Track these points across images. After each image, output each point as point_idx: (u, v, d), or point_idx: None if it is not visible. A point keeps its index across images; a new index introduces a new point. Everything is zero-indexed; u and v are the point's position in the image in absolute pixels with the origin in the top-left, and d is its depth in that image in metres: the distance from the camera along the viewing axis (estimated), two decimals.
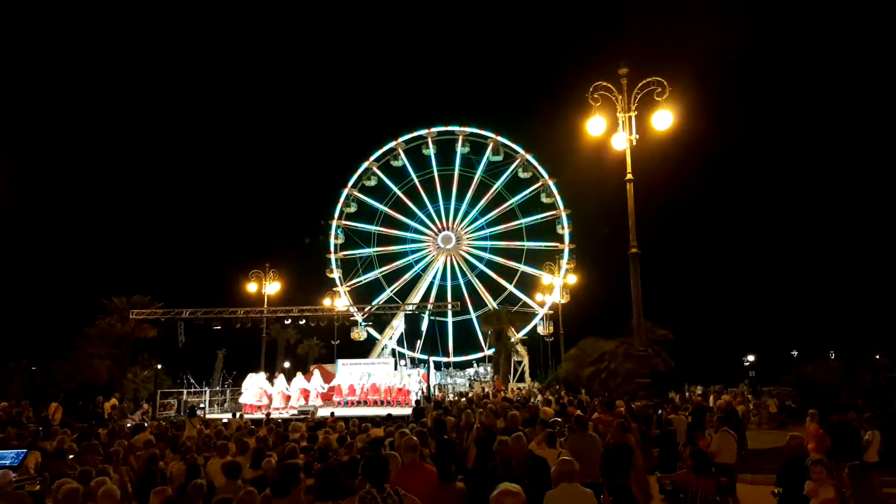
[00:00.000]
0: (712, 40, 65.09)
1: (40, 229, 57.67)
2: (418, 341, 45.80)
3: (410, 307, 39.55)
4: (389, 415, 17.12)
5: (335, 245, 48.60)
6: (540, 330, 45.70)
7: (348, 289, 48.01)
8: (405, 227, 50.61)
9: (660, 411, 15.24)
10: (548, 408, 15.42)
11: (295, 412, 24.97)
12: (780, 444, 9.24)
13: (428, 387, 29.43)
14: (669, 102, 16.18)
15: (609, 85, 16.86)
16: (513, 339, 44.05)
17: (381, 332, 47.32)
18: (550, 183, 46.75)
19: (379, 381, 28.77)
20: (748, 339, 56.28)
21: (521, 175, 47.85)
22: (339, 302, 44.66)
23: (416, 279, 50.06)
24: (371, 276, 49.40)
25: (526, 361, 45.93)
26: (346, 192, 48.61)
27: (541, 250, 47.67)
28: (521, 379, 44.62)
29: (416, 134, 48.75)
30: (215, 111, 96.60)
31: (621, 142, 16.80)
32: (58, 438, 11.98)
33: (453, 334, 48.40)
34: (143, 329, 33.64)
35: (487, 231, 50.23)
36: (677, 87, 16.62)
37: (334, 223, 48.47)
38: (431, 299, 47.92)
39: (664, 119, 16.12)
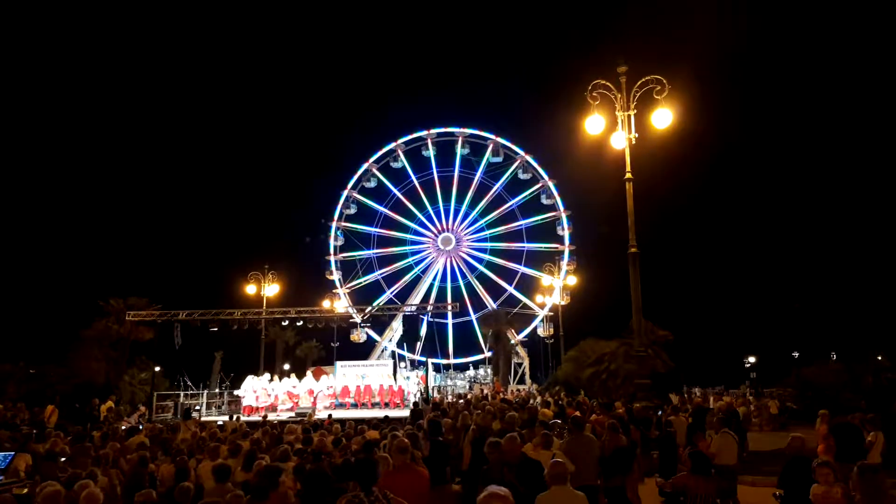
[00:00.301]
0: (712, 38, 65.13)
1: (37, 231, 57.65)
2: (418, 343, 45.70)
3: (410, 309, 39.39)
4: (386, 417, 17.00)
5: (335, 247, 48.47)
6: (540, 331, 45.58)
7: (348, 290, 47.90)
8: (405, 229, 50.60)
9: (659, 413, 15.06)
10: (546, 409, 15.27)
11: (292, 415, 24.83)
12: (781, 445, 9.13)
13: (426, 388, 29.26)
14: (669, 101, 16.03)
15: (608, 83, 16.69)
16: (513, 341, 43.89)
17: (380, 333, 47.15)
18: (550, 184, 46.59)
19: (374, 383, 28.61)
20: (749, 340, 56.06)
21: (521, 176, 47.71)
22: (339, 304, 44.49)
23: (416, 281, 49.98)
24: (371, 277, 49.37)
25: (526, 363, 45.73)
26: (345, 193, 48.48)
27: (541, 251, 47.66)
28: (521, 380, 44.39)
29: (415, 135, 48.64)
30: (214, 112, 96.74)
31: (620, 140, 16.62)
32: (50, 441, 11.88)
33: (453, 336, 48.39)
34: (139, 331, 33.44)
35: (487, 232, 50.19)
36: (677, 85, 16.49)
37: (334, 225, 48.34)
38: (431, 301, 47.78)
39: (664, 117, 15.96)
